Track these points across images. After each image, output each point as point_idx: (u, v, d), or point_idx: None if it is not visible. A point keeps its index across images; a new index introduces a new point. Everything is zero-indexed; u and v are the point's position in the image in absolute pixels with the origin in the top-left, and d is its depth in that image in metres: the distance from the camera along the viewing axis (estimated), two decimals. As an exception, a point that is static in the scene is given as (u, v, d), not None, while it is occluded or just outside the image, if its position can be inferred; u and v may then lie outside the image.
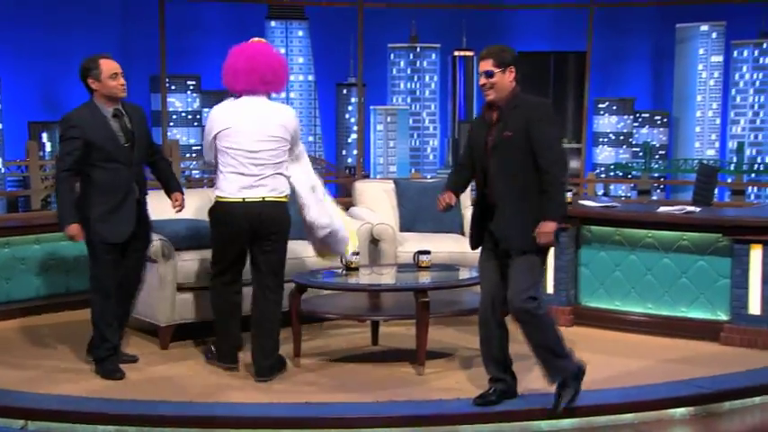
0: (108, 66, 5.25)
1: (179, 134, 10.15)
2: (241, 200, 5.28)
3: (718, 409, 5.18)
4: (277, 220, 5.37)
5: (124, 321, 5.72)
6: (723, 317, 6.30)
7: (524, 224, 4.50)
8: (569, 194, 7.01)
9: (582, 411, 4.85)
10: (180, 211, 5.66)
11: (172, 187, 5.66)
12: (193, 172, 11.07)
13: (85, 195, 5.34)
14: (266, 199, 5.31)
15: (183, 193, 5.67)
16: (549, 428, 4.85)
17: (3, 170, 8.08)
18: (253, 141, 5.28)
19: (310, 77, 9.90)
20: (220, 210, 5.38)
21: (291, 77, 10.10)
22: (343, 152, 10.09)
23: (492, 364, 4.84)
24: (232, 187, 5.30)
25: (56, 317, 7.00)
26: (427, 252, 6.03)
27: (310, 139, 10.02)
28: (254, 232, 5.32)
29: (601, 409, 4.86)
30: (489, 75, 4.49)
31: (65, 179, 5.25)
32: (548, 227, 4.46)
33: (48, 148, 8.58)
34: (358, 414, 4.84)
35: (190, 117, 10.21)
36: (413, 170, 10.00)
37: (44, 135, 8.56)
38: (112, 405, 4.95)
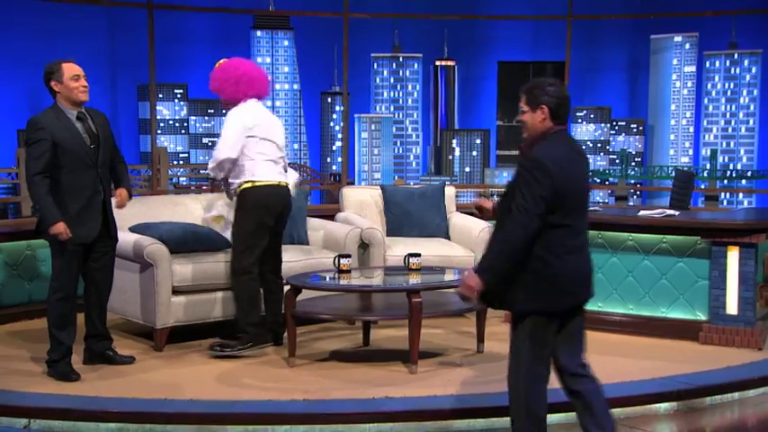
0: (70, 68, 5.31)
1: (166, 141, 10.18)
2: (278, 183, 5.88)
3: (699, 404, 5.31)
4: (290, 206, 6.04)
5: (104, 320, 5.71)
6: (702, 317, 6.40)
7: (518, 280, 3.90)
8: None
9: (568, 407, 4.84)
10: (119, 207, 5.67)
11: (122, 184, 5.66)
12: (181, 179, 11.12)
13: (53, 197, 5.30)
14: (288, 186, 5.97)
15: (129, 192, 5.68)
16: None
17: (-8, 177, 8.10)
18: (279, 135, 5.99)
19: (295, 86, 10.01)
20: (260, 193, 5.81)
21: (277, 86, 10.18)
22: (328, 159, 10.18)
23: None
24: (270, 172, 5.85)
25: (42, 322, 6.99)
26: (418, 255, 6.11)
27: (296, 146, 10.10)
28: (279, 215, 5.88)
29: (588, 404, 4.96)
30: (521, 112, 4.00)
31: (39, 182, 5.20)
32: (468, 278, 3.87)
33: (36, 155, 8.57)
34: (356, 410, 4.90)
35: (177, 125, 10.26)
36: (396, 177, 10.08)
37: (33, 142, 8.54)
38: (115, 403, 4.98)
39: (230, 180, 5.93)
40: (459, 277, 4.05)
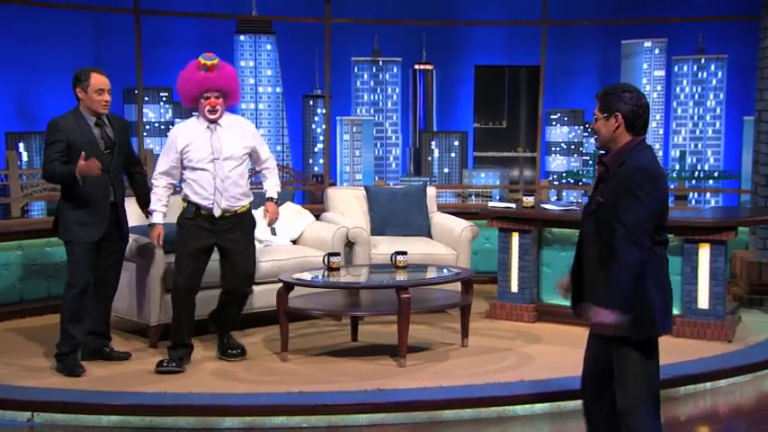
0: (97, 80, 5.42)
1: (152, 144, 10.23)
2: None
3: (674, 393, 5.50)
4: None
5: (107, 318, 5.82)
6: (675, 311, 6.43)
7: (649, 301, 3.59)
8: (530, 199, 7.32)
9: (551, 397, 5.15)
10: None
11: (143, 200, 5.82)
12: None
13: (65, 197, 5.49)
14: None
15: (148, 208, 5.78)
16: (523, 413, 5.15)
17: (-15, 179, 8.16)
18: None
19: (278, 89, 10.07)
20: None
21: (260, 89, 10.24)
22: (310, 161, 10.26)
23: None
24: None
25: (39, 320, 7.01)
26: (404, 253, 6.26)
27: (278, 148, 10.18)
28: None
29: (569, 394, 5.07)
30: (594, 120, 3.68)
31: (52, 167, 5.32)
32: (598, 315, 3.50)
33: (24, 157, 8.62)
34: (349, 401, 5.05)
35: (162, 128, 10.31)
36: (377, 178, 10.19)
37: (21, 145, 8.60)
38: (116, 397, 5.09)
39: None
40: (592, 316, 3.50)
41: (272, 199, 5.83)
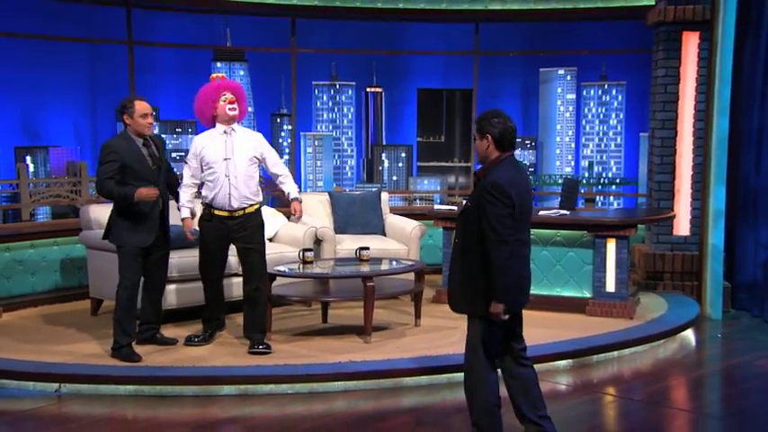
0: (141, 107, 5.48)
1: (141, 156, 10.25)
2: None
3: (588, 361, 5.82)
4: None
5: (159, 311, 5.83)
6: (588, 294, 6.82)
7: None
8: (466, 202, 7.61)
9: None
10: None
11: (177, 199, 5.82)
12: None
13: (119, 208, 5.49)
14: None
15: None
16: None
17: (-1, 188, 8.20)
18: None
19: (250, 108, 10.23)
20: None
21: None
22: (278, 170, 10.37)
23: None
24: None
25: (50, 308, 7.13)
26: (367, 248, 6.48)
27: (251, 159, 10.27)
28: None
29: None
30: (473, 140, 3.93)
31: (106, 183, 5.36)
32: (495, 309, 3.84)
33: (31, 168, 8.66)
34: (326, 371, 5.24)
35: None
36: (335, 185, 10.40)
37: (28, 158, 8.64)
38: (131, 370, 5.23)
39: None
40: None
41: (296, 199, 5.77)
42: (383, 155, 10.64)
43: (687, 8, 7.53)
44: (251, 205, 5.70)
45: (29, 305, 7.17)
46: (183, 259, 6.39)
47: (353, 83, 10.49)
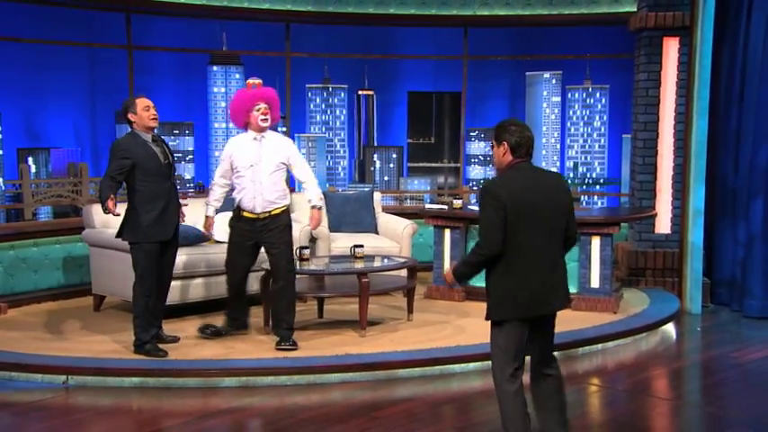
0: (142, 102, 5.45)
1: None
2: None
3: (574, 353, 5.91)
4: None
5: (161, 307, 5.73)
6: (573, 290, 6.58)
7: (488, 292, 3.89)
8: (459, 202, 7.68)
9: (481, 357, 5.37)
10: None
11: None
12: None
13: (135, 206, 5.40)
14: None
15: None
16: (460, 370, 5.48)
17: (3, 187, 8.25)
18: None
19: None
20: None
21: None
22: (273, 171, 10.40)
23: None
24: None
25: (52, 305, 7.18)
26: (361, 246, 6.52)
27: (246, 160, 10.32)
28: None
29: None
30: (491, 147, 3.85)
31: (108, 181, 5.31)
32: (447, 273, 4.03)
33: (33, 169, 8.71)
34: (323, 363, 5.32)
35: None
36: (329, 185, 10.48)
37: (30, 159, 8.69)
38: (137, 363, 5.30)
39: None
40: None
41: (315, 206, 5.81)
42: (375, 156, 10.73)
43: (667, 14, 7.68)
44: (277, 208, 5.74)
45: (32, 301, 7.21)
46: (188, 256, 6.47)
47: (346, 86, 10.54)
